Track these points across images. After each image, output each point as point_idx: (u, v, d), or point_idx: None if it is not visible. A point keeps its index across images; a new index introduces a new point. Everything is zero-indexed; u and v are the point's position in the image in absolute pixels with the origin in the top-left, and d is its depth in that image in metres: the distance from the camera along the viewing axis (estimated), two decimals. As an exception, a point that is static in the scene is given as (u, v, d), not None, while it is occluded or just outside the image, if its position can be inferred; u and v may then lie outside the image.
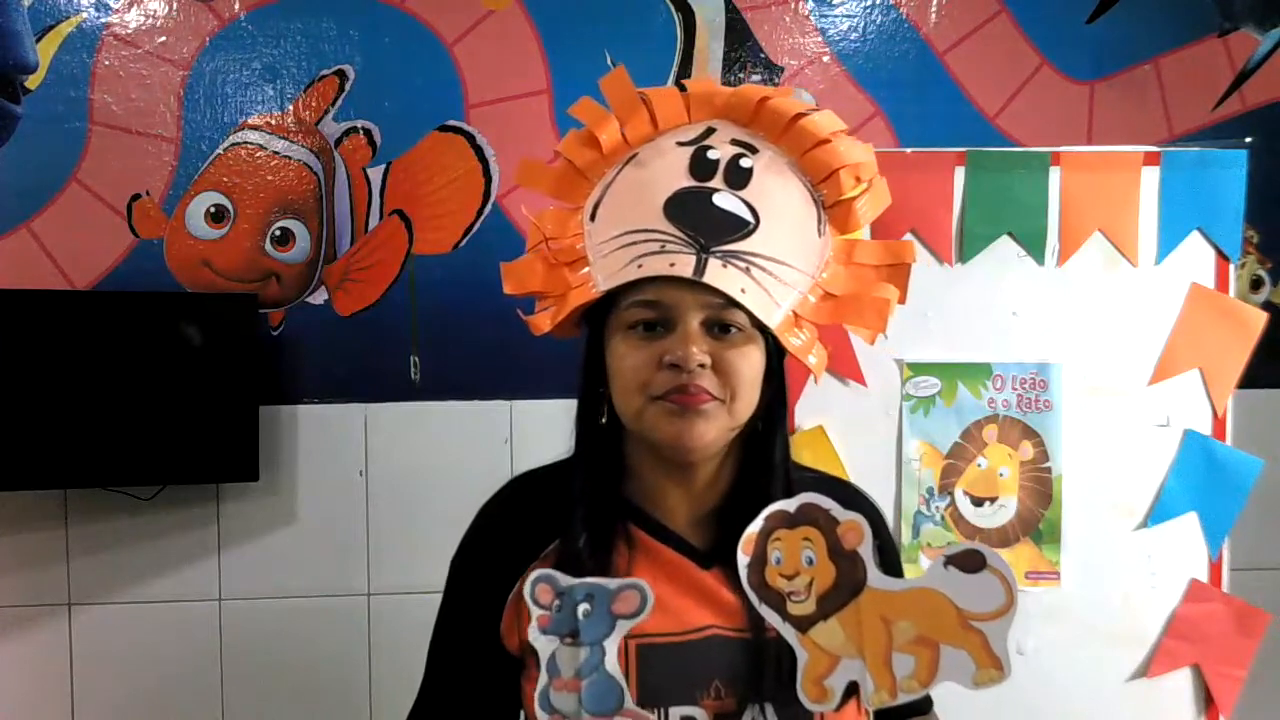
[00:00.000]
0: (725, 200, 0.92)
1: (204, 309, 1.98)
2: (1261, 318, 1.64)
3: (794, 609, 0.85)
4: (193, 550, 2.05)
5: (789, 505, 0.86)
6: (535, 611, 0.86)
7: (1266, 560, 2.07)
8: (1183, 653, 1.65)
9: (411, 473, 2.08)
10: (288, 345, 2.08)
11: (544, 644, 0.86)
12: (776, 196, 0.94)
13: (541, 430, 2.04)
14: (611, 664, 0.85)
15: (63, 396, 1.88)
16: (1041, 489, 1.64)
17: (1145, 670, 1.65)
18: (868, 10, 2.17)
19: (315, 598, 2.07)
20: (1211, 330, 1.64)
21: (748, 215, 0.91)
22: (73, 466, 1.91)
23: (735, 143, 0.96)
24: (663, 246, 0.89)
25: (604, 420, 0.96)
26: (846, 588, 0.84)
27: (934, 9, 2.18)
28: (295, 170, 2.07)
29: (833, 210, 0.97)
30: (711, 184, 0.93)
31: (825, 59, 2.17)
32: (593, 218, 0.97)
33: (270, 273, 2.08)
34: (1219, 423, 1.65)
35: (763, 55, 2.16)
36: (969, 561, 0.82)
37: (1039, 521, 1.64)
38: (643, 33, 2.12)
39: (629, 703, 0.85)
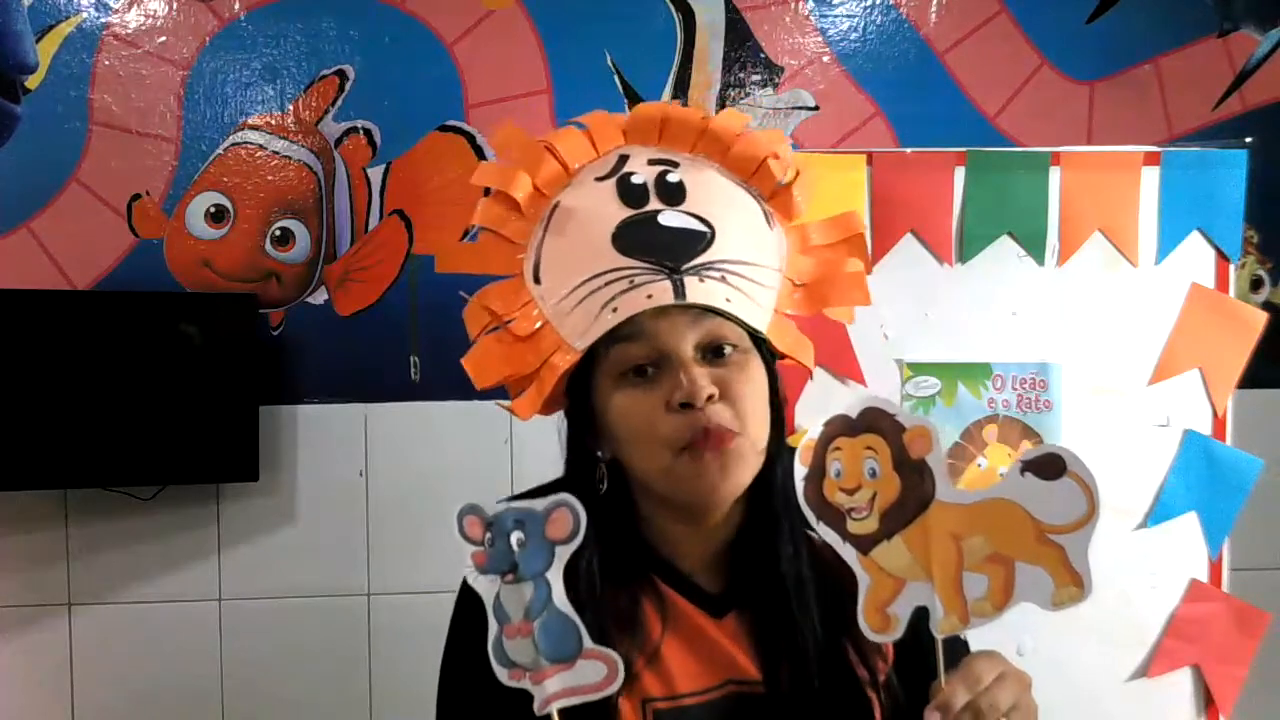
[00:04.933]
0: (672, 219, 0.87)
1: (204, 309, 1.98)
2: (1261, 318, 1.64)
3: (854, 527, 0.78)
4: (193, 550, 2.05)
5: (850, 410, 0.79)
6: (470, 549, 0.81)
7: (1266, 560, 2.07)
8: (1183, 653, 1.65)
9: (411, 473, 2.08)
10: (288, 345, 2.08)
11: (485, 585, 0.80)
12: (718, 200, 0.90)
13: (541, 430, 2.03)
14: (560, 600, 0.79)
15: (63, 396, 1.88)
16: (1041, 489, 1.64)
17: (1145, 670, 1.65)
18: (868, 10, 2.17)
19: (315, 598, 2.07)
20: (1211, 330, 1.64)
21: (700, 226, 0.87)
22: (73, 466, 1.91)
23: (653, 162, 0.92)
24: (631, 282, 0.84)
25: (604, 488, 0.90)
26: (912, 502, 0.77)
27: (934, 9, 2.18)
28: (295, 170, 2.07)
29: (773, 201, 0.94)
30: (650, 207, 0.88)
31: (825, 59, 2.17)
32: (537, 280, 0.91)
33: (270, 273, 2.08)
34: (1219, 423, 1.65)
35: (763, 55, 2.16)
36: (1048, 467, 0.74)
37: (1039, 521, 1.64)
38: (643, 33, 2.12)
39: (588, 643, 0.79)
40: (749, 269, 0.88)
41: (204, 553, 2.05)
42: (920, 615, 0.78)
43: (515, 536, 0.79)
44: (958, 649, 0.84)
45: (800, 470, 0.80)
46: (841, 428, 0.79)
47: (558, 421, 0.96)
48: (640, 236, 0.86)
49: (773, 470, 0.89)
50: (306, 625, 2.07)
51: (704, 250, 0.86)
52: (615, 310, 0.84)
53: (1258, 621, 1.64)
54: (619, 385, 0.86)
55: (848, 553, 0.79)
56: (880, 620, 0.77)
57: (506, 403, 0.94)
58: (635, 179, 0.89)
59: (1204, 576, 1.65)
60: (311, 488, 2.08)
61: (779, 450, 0.90)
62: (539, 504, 0.80)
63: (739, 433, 0.83)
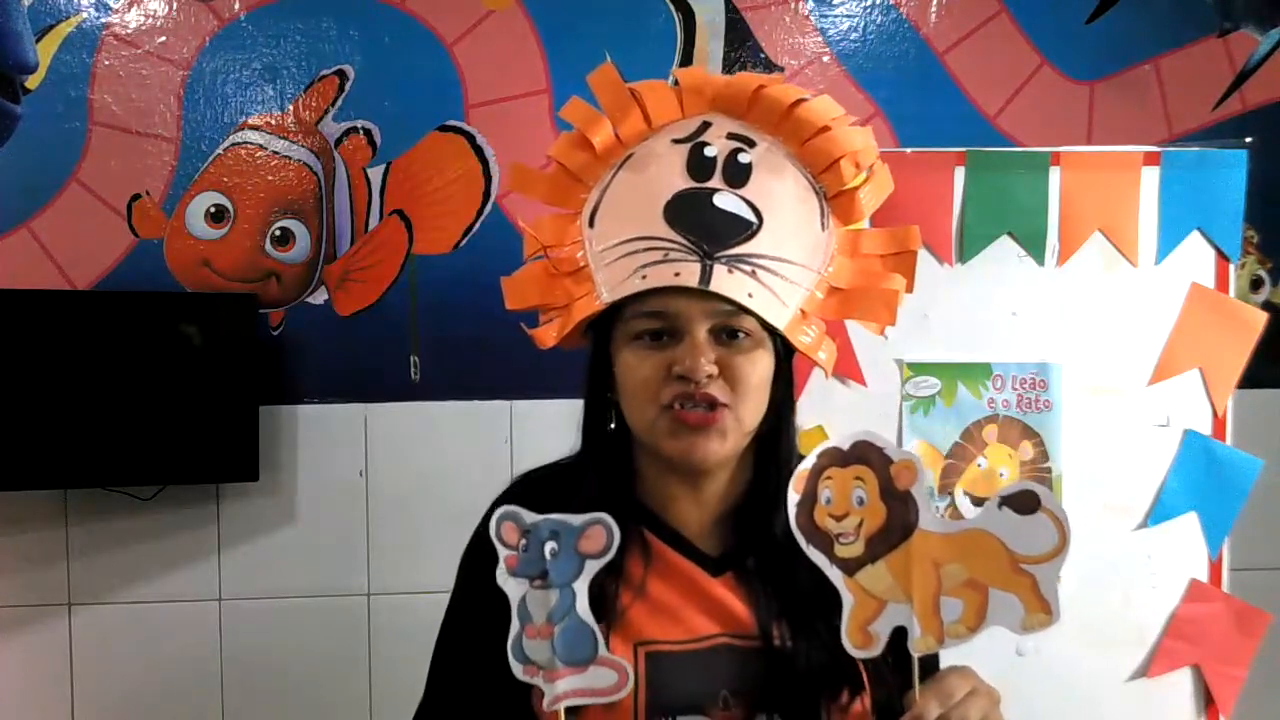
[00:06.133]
0: (726, 201, 0.90)
1: (204, 309, 1.98)
2: (1261, 318, 1.64)
3: (841, 551, 0.84)
4: (193, 550, 2.05)
5: (843, 443, 0.85)
6: (503, 552, 0.85)
7: (1266, 560, 2.07)
8: (1183, 653, 1.65)
9: (411, 473, 2.08)
10: (288, 345, 2.08)
11: (513, 587, 0.84)
12: (777, 192, 0.92)
13: (541, 430, 2.04)
14: (583, 609, 0.83)
15: (63, 396, 1.88)
16: (1041, 489, 1.64)
17: (1145, 670, 1.65)
18: (868, 10, 2.17)
19: (315, 598, 2.07)
20: (1211, 330, 1.64)
21: (750, 215, 0.90)
22: (73, 466, 1.91)
23: (732, 136, 0.94)
24: (666, 255, 0.87)
25: (613, 426, 0.94)
26: (897, 530, 0.83)
27: (934, 9, 2.18)
28: (295, 170, 2.07)
29: (835, 201, 0.96)
30: (710, 184, 0.91)
31: (825, 59, 2.17)
32: (591, 224, 0.95)
33: (270, 273, 2.08)
34: (1219, 423, 1.65)
35: (763, 55, 2.16)
36: (1024, 502, 0.81)
37: (1039, 521, 1.64)
38: (643, 33, 2.12)
39: (603, 650, 0.83)
40: (784, 266, 0.90)
41: (204, 553, 2.05)
42: (898, 634, 0.83)
43: (549, 546, 0.83)
44: (929, 660, 0.89)
45: (793, 497, 0.85)
46: (833, 459, 0.85)
47: (557, 421, 1.00)
48: (690, 212, 0.90)
49: (777, 449, 0.94)
50: (306, 625, 2.07)
51: (745, 241, 0.89)
52: (644, 278, 0.87)
53: (1258, 621, 1.64)
54: (631, 343, 0.91)
55: (834, 574, 0.84)
56: (862, 637, 0.83)
57: (531, 330, 0.99)
58: (709, 150, 0.92)
59: (1204, 576, 1.65)
60: (311, 488, 2.08)
61: (784, 428, 0.96)
62: (576, 519, 0.84)
63: (725, 404, 0.88)
